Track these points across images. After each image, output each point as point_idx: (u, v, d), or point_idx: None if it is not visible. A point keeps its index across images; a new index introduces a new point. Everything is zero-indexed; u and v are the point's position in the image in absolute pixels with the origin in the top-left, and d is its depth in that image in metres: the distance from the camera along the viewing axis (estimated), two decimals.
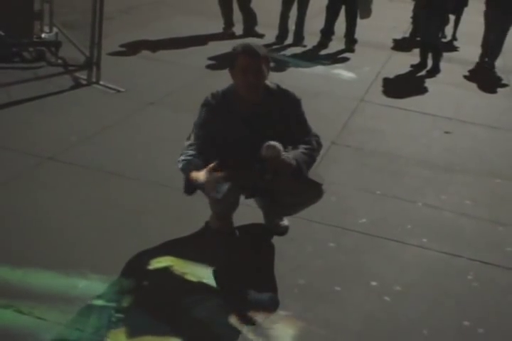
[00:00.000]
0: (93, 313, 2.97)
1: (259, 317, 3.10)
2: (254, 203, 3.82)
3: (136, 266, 3.37)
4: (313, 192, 3.52)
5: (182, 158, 3.37)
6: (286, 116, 3.46)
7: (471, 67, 8.81)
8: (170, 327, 2.94)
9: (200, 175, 3.14)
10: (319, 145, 3.58)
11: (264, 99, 3.43)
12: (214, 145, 3.35)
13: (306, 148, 3.44)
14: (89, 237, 3.58)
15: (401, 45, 9.59)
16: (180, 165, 3.35)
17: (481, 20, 8.72)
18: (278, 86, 3.52)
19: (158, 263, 3.42)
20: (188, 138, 3.46)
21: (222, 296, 3.22)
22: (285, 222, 3.89)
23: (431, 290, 3.51)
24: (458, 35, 10.53)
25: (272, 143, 3.22)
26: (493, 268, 3.80)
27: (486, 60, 8.89)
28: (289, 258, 3.64)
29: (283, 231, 3.86)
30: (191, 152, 3.36)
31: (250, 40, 8.53)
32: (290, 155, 3.29)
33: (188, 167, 3.29)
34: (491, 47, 8.77)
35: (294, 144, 3.48)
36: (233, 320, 3.06)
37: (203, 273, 3.38)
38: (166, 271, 3.37)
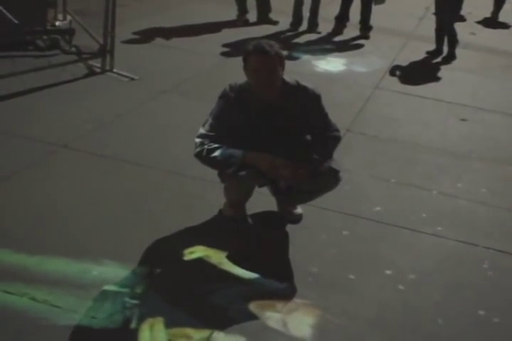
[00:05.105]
0: (108, 300, 2.98)
1: (274, 304, 3.09)
2: (267, 191, 3.80)
3: (149, 253, 3.37)
4: (329, 178, 3.49)
5: (206, 147, 3.26)
6: (306, 113, 3.42)
7: (487, 53, 8.71)
8: (185, 314, 2.95)
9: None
10: (336, 139, 3.56)
11: (281, 96, 3.37)
12: (228, 138, 3.31)
13: (322, 147, 3.45)
14: (103, 224, 3.59)
15: None
16: (217, 153, 3.23)
17: None
18: (298, 82, 3.44)
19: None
20: (203, 125, 3.42)
21: (237, 284, 3.22)
22: (299, 209, 3.88)
23: (446, 278, 3.49)
24: (472, 19, 10.43)
25: (280, 162, 3.22)
26: (508, 257, 3.77)
27: None
28: (303, 246, 3.62)
29: (297, 219, 3.85)
30: (212, 144, 3.28)
31: (264, 28, 8.52)
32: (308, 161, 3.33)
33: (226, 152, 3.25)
34: None
35: (312, 139, 3.49)
36: (249, 307, 3.06)
37: (217, 261, 3.38)
38: (179, 258, 3.38)
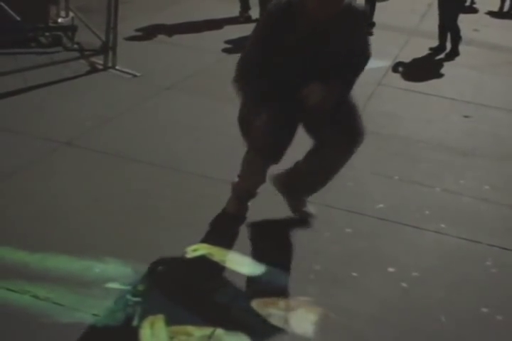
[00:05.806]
0: (109, 298, 2.97)
1: (276, 302, 3.09)
2: (274, 189, 3.79)
3: (152, 251, 3.36)
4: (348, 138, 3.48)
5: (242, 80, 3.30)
6: (349, 34, 3.27)
7: (490, 49, 8.69)
8: (187, 312, 2.95)
9: None
10: (360, 64, 3.58)
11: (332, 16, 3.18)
12: (267, 57, 3.25)
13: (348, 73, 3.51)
14: (105, 222, 3.59)
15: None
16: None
17: None
18: (350, 2, 3.22)
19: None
20: (247, 45, 3.34)
21: (239, 281, 3.22)
22: (309, 208, 3.83)
23: (449, 276, 3.49)
24: (479, 16, 10.46)
25: (311, 88, 3.17)
26: None
27: None
28: (306, 243, 3.61)
29: (308, 216, 3.81)
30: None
31: None
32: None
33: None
34: None
35: (344, 64, 3.43)
36: (252, 305, 3.05)
37: (219, 259, 3.38)
38: (181, 255, 3.37)
